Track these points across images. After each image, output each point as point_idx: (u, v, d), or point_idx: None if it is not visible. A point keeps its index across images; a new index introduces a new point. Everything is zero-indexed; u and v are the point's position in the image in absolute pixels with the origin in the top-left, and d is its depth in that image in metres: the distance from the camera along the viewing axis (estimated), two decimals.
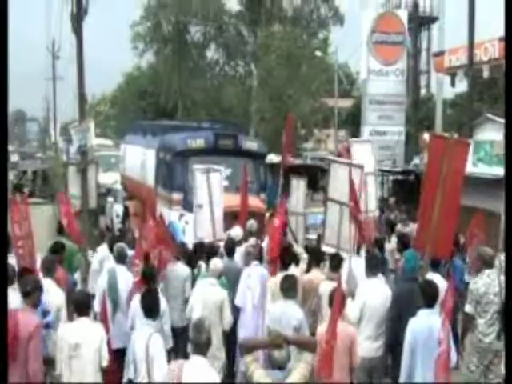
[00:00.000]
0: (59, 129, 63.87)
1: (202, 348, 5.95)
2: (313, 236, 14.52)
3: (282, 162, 14.67)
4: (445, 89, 35.15)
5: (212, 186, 12.17)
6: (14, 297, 7.73)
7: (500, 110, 17.77)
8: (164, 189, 17.22)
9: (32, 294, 7.33)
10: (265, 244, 11.76)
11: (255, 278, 9.60)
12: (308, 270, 10.31)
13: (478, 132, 21.39)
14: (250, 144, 17.99)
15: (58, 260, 9.91)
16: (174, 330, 8.69)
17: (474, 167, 17.68)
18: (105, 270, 10.05)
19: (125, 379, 7.32)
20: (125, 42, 50.68)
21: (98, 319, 8.89)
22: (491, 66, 25.75)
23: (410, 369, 7.09)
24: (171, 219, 13.94)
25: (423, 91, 44.58)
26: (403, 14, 33.94)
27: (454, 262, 10.81)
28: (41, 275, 8.75)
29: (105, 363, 7.16)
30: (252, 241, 11.79)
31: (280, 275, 9.02)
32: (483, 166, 18.24)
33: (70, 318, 7.92)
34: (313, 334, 7.93)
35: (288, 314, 7.97)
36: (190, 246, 11.52)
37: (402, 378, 7.15)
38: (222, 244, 11.06)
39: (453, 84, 30.52)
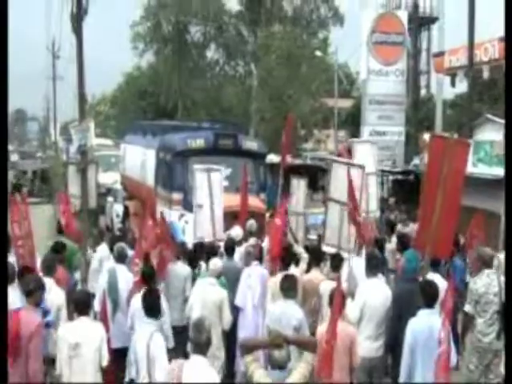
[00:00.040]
0: (59, 128, 63.88)
1: (202, 348, 5.95)
2: (313, 236, 14.53)
3: (282, 162, 14.67)
4: (445, 89, 35.16)
5: (212, 185, 12.17)
6: (15, 296, 7.75)
7: (500, 111, 17.77)
8: (164, 189, 17.23)
9: (34, 293, 7.35)
10: (265, 244, 11.77)
11: (255, 278, 9.61)
12: (308, 270, 10.31)
13: (478, 132, 21.38)
14: (250, 144, 18.00)
15: (59, 259, 9.92)
16: (174, 329, 8.70)
17: (474, 167, 17.68)
18: (104, 269, 10.06)
19: (126, 379, 7.32)
20: (125, 41, 50.72)
21: (97, 319, 8.89)
22: (491, 67, 25.73)
23: (410, 369, 7.09)
24: (171, 219, 13.95)
25: (423, 91, 44.56)
26: (403, 15, 33.89)
27: (453, 261, 10.82)
28: (41, 275, 8.75)
29: (105, 363, 7.16)
30: (252, 241, 11.79)
31: (280, 275, 9.03)
32: (483, 167, 18.24)
33: (71, 318, 7.92)
34: (313, 333, 7.94)
35: (288, 314, 7.97)
36: (190, 246, 11.54)
37: (402, 377, 7.15)
38: (221, 244, 11.07)
39: (453, 84, 30.49)
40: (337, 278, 8.00)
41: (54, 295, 8.20)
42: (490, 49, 25.38)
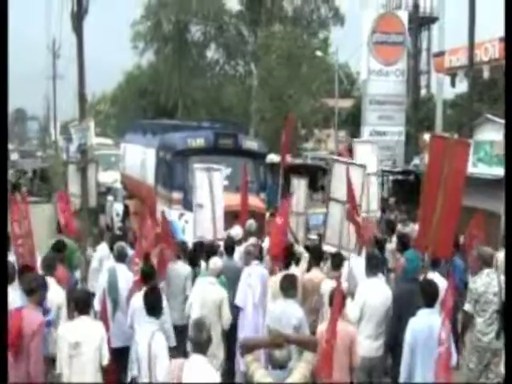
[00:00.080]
0: (59, 127, 63.90)
1: (203, 347, 5.95)
2: (314, 236, 14.53)
3: (282, 162, 14.67)
4: (445, 89, 35.19)
5: (213, 185, 12.17)
6: (15, 295, 7.75)
7: (500, 111, 17.77)
8: (164, 188, 17.22)
9: (36, 292, 7.35)
10: (265, 244, 11.77)
11: (255, 278, 9.61)
12: (308, 270, 10.31)
13: (478, 132, 21.39)
14: (250, 144, 17.99)
15: (60, 259, 9.92)
16: (174, 328, 8.69)
17: (474, 167, 17.68)
18: (104, 268, 10.06)
19: (129, 378, 7.32)
20: (125, 41, 50.73)
21: (97, 318, 8.89)
22: (491, 67, 25.75)
23: (410, 368, 7.09)
24: (171, 218, 13.95)
25: (423, 91, 44.56)
26: (403, 15, 33.91)
27: (453, 261, 10.81)
28: (41, 274, 8.76)
29: (105, 362, 7.16)
30: (252, 240, 11.79)
31: (280, 274, 9.03)
32: (483, 167, 18.25)
33: (71, 317, 7.92)
34: (313, 332, 7.94)
35: (288, 313, 7.97)
36: (190, 245, 11.54)
37: (402, 377, 7.15)
38: (221, 243, 11.07)
39: (453, 84, 30.51)
40: (337, 278, 8.00)
41: (55, 294, 8.19)
42: (490, 49, 25.40)
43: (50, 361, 7.52)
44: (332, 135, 44.35)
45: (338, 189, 10.32)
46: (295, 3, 48.64)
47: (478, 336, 8.65)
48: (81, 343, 7.03)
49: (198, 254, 10.84)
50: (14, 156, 53.06)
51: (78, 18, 14.76)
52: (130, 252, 10.28)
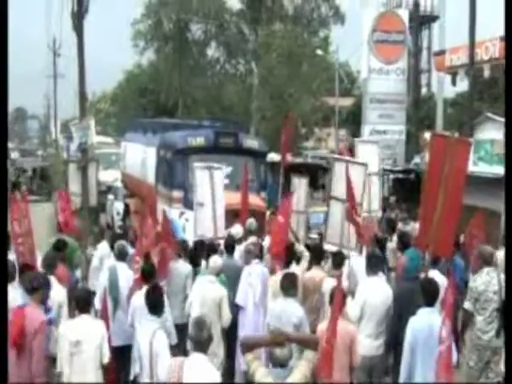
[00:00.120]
0: (60, 126, 63.93)
1: (203, 345, 5.95)
2: (314, 235, 14.52)
3: (282, 161, 14.67)
4: (445, 88, 35.19)
5: (214, 183, 12.16)
6: (15, 294, 7.75)
7: (500, 110, 17.75)
8: (164, 187, 17.22)
9: (39, 290, 7.37)
10: (265, 242, 11.77)
11: (256, 277, 9.60)
12: (309, 269, 10.31)
13: (479, 131, 21.37)
14: (251, 142, 17.98)
15: (61, 257, 9.92)
16: (174, 326, 8.69)
17: (475, 166, 17.67)
18: (105, 267, 10.07)
19: (131, 376, 7.33)
20: (125, 39, 50.69)
21: (98, 317, 8.89)
22: (492, 66, 25.72)
23: (410, 368, 7.09)
24: (172, 217, 13.94)
25: (424, 90, 44.56)
26: (404, 13, 33.90)
27: (454, 260, 10.81)
28: (42, 272, 8.76)
29: (106, 360, 7.17)
30: (252, 239, 11.78)
31: (281, 273, 9.03)
32: (484, 165, 18.23)
33: (72, 315, 7.93)
34: (313, 331, 7.94)
35: (288, 312, 7.97)
36: (191, 244, 11.54)
37: (402, 376, 7.15)
38: (222, 242, 11.08)
39: (453, 83, 30.48)
40: (337, 277, 8.00)
41: (56, 293, 8.19)
42: (490, 47, 25.37)
43: (51, 359, 7.52)
44: (332, 134, 44.37)
45: (339, 187, 10.32)
46: (296, 2, 48.60)
47: (477, 334, 8.66)
48: (81, 342, 7.03)
49: (198, 252, 10.84)
50: (14, 155, 53.13)
51: (79, 17, 14.77)
52: (131, 251, 10.28)
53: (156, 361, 6.83)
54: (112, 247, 10.60)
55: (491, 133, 19.77)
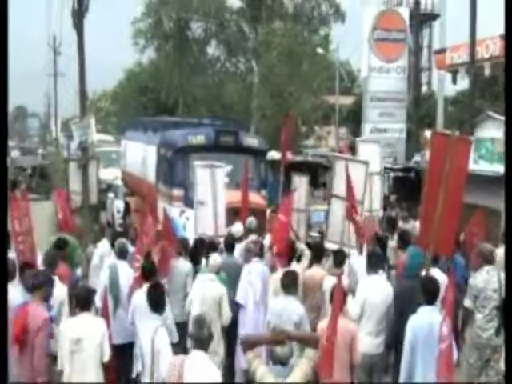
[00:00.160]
0: (60, 125, 63.97)
1: (204, 343, 5.96)
2: (315, 234, 14.52)
3: (282, 159, 14.66)
4: (446, 86, 35.15)
5: (215, 181, 12.16)
6: (16, 292, 7.76)
7: (501, 108, 17.69)
8: (165, 185, 17.22)
9: (42, 288, 7.40)
10: (266, 240, 11.77)
11: (256, 275, 9.61)
12: (310, 267, 10.31)
13: (479, 129, 21.33)
14: (251, 141, 17.98)
15: (62, 256, 9.93)
16: (175, 324, 8.70)
17: (475, 164, 17.66)
18: (105, 265, 10.07)
19: (133, 374, 7.33)
20: (126, 38, 50.66)
21: (99, 315, 8.90)
22: (492, 64, 25.68)
23: (411, 366, 7.08)
24: (172, 215, 13.94)
25: (424, 88, 44.53)
26: (405, 11, 33.87)
27: (454, 258, 10.81)
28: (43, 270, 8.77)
29: (106, 358, 7.18)
30: (252, 237, 11.78)
31: (281, 271, 9.04)
32: (484, 164, 18.22)
33: (72, 314, 7.93)
34: (314, 329, 7.95)
35: (289, 310, 7.98)
36: (191, 242, 11.53)
37: (402, 375, 7.15)
38: (222, 240, 11.08)
39: (454, 81, 30.43)
40: (338, 275, 8.01)
41: (57, 291, 8.21)
42: (491, 46, 25.33)
43: (52, 357, 7.53)
44: (333, 132, 44.34)
45: (340, 185, 10.32)
46: (296, 0, 48.59)
47: (477, 332, 8.67)
48: (82, 340, 7.04)
49: (198, 251, 10.84)
50: (14, 153, 53.09)
51: (79, 16, 14.79)
52: (131, 249, 10.28)
53: (158, 358, 6.84)
54: (112, 245, 10.61)
55: (492, 131, 19.74)
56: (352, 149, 15.13)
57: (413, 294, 7.73)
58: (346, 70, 50.81)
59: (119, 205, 22.93)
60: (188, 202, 14.74)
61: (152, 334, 6.93)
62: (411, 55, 38.04)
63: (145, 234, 10.26)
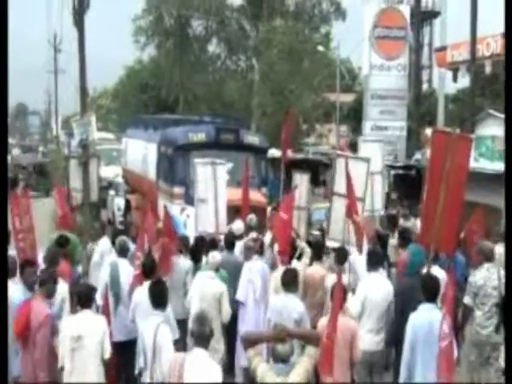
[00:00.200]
0: (61, 122, 63.96)
1: (205, 341, 5.97)
2: (316, 232, 14.52)
3: (283, 157, 14.66)
4: (447, 84, 35.08)
5: (217, 179, 12.15)
6: (16, 289, 7.77)
7: (502, 106, 17.70)
8: (165, 182, 17.22)
9: (47, 284, 7.46)
10: (266, 238, 11.78)
11: (256, 273, 9.62)
12: (310, 264, 10.32)
13: (480, 127, 21.36)
14: (252, 138, 17.97)
15: (63, 253, 9.94)
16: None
17: (476, 162, 17.65)
18: (106, 263, 10.08)
19: (136, 370, 7.34)
20: (126, 35, 50.70)
21: (99, 312, 8.91)
22: (493, 62, 25.66)
23: (411, 364, 7.09)
24: (172, 213, 13.95)
25: (425, 86, 44.47)
26: (405, 9, 33.81)
27: (455, 256, 10.82)
28: (43, 268, 8.78)
29: (107, 356, 7.19)
30: (252, 235, 11.79)
31: (282, 269, 9.04)
32: (485, 162, 18.22)
33: (73, 311, 7.95)
34: (314, 327, 7.96)
35: (289, 308, 7.99)
36: (192, 240, 11.53)
37: (403, 372, 7.16)
38: (222, 237, 11.09)
39: (455, 79, 30.41)
40: (338, 273, 8.01)
41: (58, 288, 8.22)
42: (492, 43, 25.32)
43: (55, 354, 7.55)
44: (333, 130, 44.32)
45: (341, 183, 10.30)
46: None
47: (477, 329, 8.68)
48: (83, 337, 7.05)
49: (199, 248, 10.84)
50: (15, 151, 53.12)
51: (80, 13, 14.79)
52: (132, 246, 10.28)
53: (159, 354, 6.84)
54: (113, 243, 10.61)
55: (492, 129, 19.75)
56: (352, 146, 15.12)
57: (413, 291, 7.74)
58: (347, 68, 50.78)
59: (120, 202, 22.93)
60: (189, 199, 14.74)
61: (154, 330, 6.93)
62: (412, 53, 38.02)
63: (145, 232, 10.27)
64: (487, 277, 8.65)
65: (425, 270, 8.33)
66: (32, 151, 59.39)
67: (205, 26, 49.12)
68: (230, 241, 10.65)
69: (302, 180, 13.73)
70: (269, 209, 15.28)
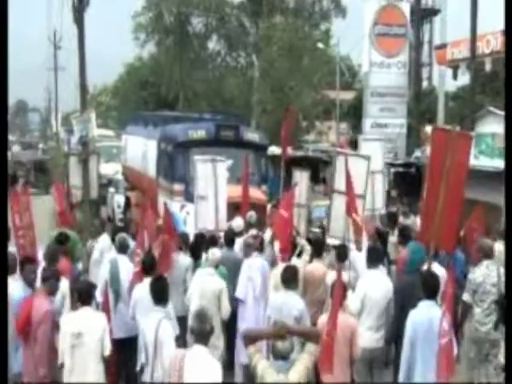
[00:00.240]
0: (61, 119, 63.92)
1: (205, 338, 5.98)
2: (316, 229, 14.52)
3: (283, 154, 14.66)
4: (447, 81, 35.05)
5: (217, 176, 12.15)
6: (16, 286, 7.78)
7: (502, 103, 17.69)
8: (165, 179, 17.22)
9: (49, 281, 7.48)
10: (266, 235, 11.78)
11: (256, 270, 9.62)
12: (310, 262, 10.32)
13: (480, 125, 21.33)
14: (252, 135, 17.97)
15: (63, 250, 9.94)
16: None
17: (476, 160, 17.66)
18: (106, 260, 10.08)
19: (138, 366, 7.35)
20: (126, 32, 50.65)
21: (100, 309, 8.92)
22: (493, 59, 25.63)
23: (411, 361, 7.10)
24: (172, 210, 13.95)
25: (425, 84, 44.46)
26: (405, 7, 33.79)
27: (454, 254, 10.83)
28: (43, 265, 8.79)
29: (107, 353, 7.20)
30: (252, 232, 11.79)
31: (282, 266, 9.05)
32: (485, 159, 18.22)
33: (74, 308, 7.96)
34: (314, 324, 7.97)
35: (289, 305, 8.00)
36: (191, 237, 11.54)
37: (402, 369, 7.17)
38: (222, 234, 11.09)
39: (455, 77, 30.36)
40: (338, 270, 8.02)
41: (60, 284, 8.24)
42: (492, 41, 25.29)
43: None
44: (333, 127, 44.32)
45: (341, 181, 10.29)
46: None
47: (476, 326, 8.70)
48: (83, 334, 7.06)
49: (199, 245, 10.85)
50: (15, 148, 53.09)
51: (79, 10, 14.78)
52: (132, 243, 10.29)
53: (161, 350, 6.85)
54: (113, 240, 10.61)
55: (492, 126, 19.74)
56: (352, 144, 15.10)
57: (413, 289, 7.75)
58: (347, 65, 50.80)
59: (120, 199, 22.93)
60: (188, 196, 14.74)
61: (156, 326, 6.94)
62: (412, 50, 37.99)
63: (145, 229, 10.27)
64: (486, 274, 8.67)
65: (425, 268, 8.34)
66: (32, 148, 59.32)
67: (205, 23, 49.09)
68: (230, 238, 10.65)
69: (301, 177, 13.73)
70: (269, 206, 15.27)
